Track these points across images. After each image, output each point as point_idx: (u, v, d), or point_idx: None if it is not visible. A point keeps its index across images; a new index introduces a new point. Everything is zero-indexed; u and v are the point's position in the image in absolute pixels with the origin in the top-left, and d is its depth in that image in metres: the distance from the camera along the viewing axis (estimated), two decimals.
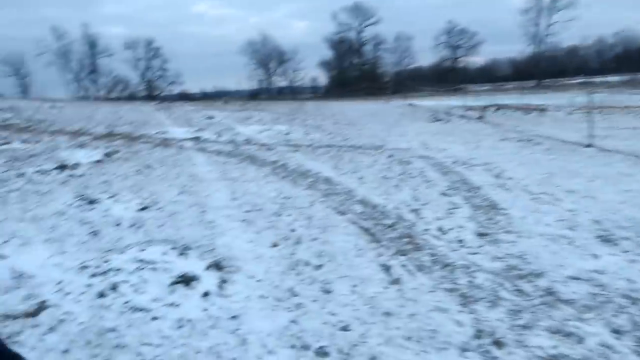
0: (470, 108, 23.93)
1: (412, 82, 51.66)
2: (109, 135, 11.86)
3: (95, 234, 4.84)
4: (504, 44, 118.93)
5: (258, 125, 15.55)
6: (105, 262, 4.05)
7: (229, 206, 6.21)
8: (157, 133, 12.79)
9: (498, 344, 3.04)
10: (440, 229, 5.44)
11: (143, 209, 5.82)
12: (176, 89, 76.26)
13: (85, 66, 70.53)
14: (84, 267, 3.93)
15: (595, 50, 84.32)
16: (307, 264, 4.33)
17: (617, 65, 74.13)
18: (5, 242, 4.38)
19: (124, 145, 10.43)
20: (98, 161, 8.46)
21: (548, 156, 10.33)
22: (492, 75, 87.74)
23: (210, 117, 17.41)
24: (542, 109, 24.06)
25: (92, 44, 69.95)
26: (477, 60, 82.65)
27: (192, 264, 4.01)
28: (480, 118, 20.74)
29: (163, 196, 6.49)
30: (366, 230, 5.35)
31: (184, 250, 4.39)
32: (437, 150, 11.60)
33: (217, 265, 4.01)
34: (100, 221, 5.24)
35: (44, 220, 5.16)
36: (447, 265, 4.37)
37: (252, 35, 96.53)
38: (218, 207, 6.14)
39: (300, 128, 15.64)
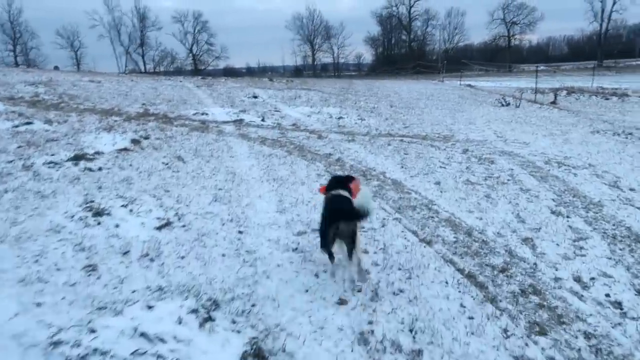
0: (539, 91, 21.48)
1: (466, 61, 48.71)
2: (143, 116, 10.60)
3: (91, 270, 3.46)
4: (558, 22, 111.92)
5: (306, 107, 13.98)
6: (91, 332, 2.66)
7: (275, 223, 4.72)
8: (195, 114, 11.45)
9: None
10: (578, 279, 3.75)
11: (163, 226, 4.41)
12: (221, 64, 75.86)
13: (135, 39, 71.06)
14: (56, 344, 2.54)
15: None
16: (396, 347, 2.78)
17: None
18: None
19: (156, 129, 9.12)
20: (123, 150, 7.15)
21: None
22: (545, 55, 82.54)
23: (255, 97, 15.95)
24: (622, 94, 21.34)
25: (141, 17, 70.19)
26: (530, 38, 77.56)
27: (222, 350, 2.54)
28: (553, 103, 18.40)
29: (192, 204, 5.06)
30: (470, 276, 3.73)
31: (210, 312, 2.94)
32: (518, 144, 9.72)
33: (258, 354, 2.53)
34: (104, 246, 3.86)
35: (32, 240, 3.84)
36: None
37: (298, 10, 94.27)
38: (261, 224, 4.66)
39: (353, 111, 13.97)
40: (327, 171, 6.91)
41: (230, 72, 70.04)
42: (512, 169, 7.42)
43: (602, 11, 64.73)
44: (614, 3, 62.89)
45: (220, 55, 74.72)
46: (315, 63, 77.65)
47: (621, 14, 64.91)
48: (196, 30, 73.39)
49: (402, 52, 76.52)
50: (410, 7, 73.36)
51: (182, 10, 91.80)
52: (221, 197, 5.38)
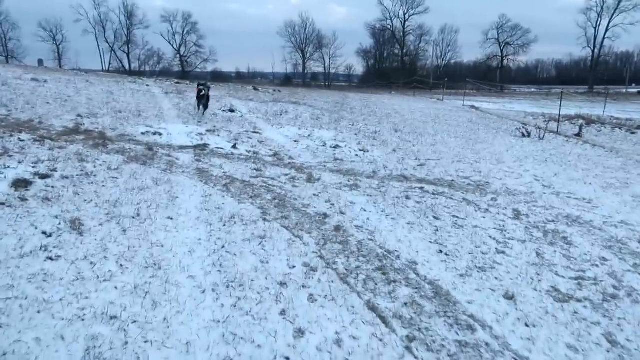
0: (553, 118, 19.16)
1: (470, 80, 46.81)
2: (70, 133, 7.76)
3: None
4: (547, 46, 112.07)
5: (293, 128, 11.27)
6: None
7: None
8: (145, 132, 8.63)
9: None
10: None
11: None
12: (210, 67, 73.38)
13: (121, 37, 68.31)
14: None
15: None
16: None
17: None
18: None
19: (74, 158, 6.29)
20: None
21: None
22: (534, 77, 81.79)
23: (231, 110, 13.16)
24: None
25: (129, 14, 67.54)
26: (522, 60, 76.45)
27: None
28: (578, 135, 16.00)
29: None
30: None
31: None
32: (578, 201, 7.11)
33: None
34: None
35: None
36: None
37: (290, 17, 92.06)
38: None
39: (351, 136, 11.29)
40: (320, 256, 4.18)
41: (218, 76, 67.38)
42: (605, 260, 4.78)
43: (595, 37, 63.69)
44: (607, 30, 61.93)
45: (208, 58, 72.36)
46: (306, 72, 75.41)
47: (613, 41, 64.04)
48: (185, 31, 70.97)
49: (394, 66, 74.74)
50: (405, 21, 71.77)
51: (171, 10, 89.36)
52: (101, 354, 2.58)
